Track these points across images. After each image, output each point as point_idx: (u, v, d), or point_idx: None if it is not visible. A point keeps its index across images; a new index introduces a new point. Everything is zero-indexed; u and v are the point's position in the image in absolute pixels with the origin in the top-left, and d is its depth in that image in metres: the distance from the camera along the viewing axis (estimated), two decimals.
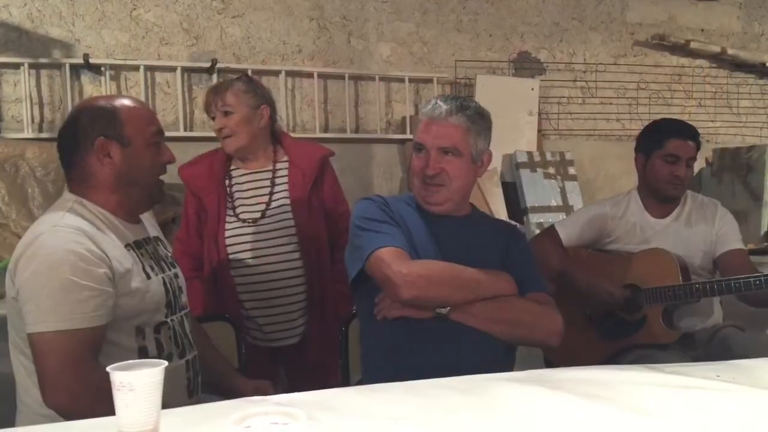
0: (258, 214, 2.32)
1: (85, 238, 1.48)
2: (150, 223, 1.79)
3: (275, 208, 2.32)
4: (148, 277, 1.61)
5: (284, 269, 2.31)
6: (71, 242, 1.46)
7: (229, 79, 2.44)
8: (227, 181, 2.36)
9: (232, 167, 2.39)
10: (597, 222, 2.49)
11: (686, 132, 2.41)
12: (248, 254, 2.30)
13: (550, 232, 2.55)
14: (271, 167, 2.37)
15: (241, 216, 2.32)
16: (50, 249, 1.44)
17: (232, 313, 2.25)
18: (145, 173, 1.65)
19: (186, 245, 2.37)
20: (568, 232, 2.50)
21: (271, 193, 2.34)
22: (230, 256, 2.30)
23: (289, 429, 0.90)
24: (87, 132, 1.58)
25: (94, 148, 1.58)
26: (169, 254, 1.80)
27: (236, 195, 2.35)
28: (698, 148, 2.42)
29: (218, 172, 2.35)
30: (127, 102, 1.65)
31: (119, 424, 1.07)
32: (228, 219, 2.32)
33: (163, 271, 1.68)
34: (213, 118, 2.35)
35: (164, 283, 1.66)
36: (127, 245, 1.59)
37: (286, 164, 2.38)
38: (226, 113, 2.30)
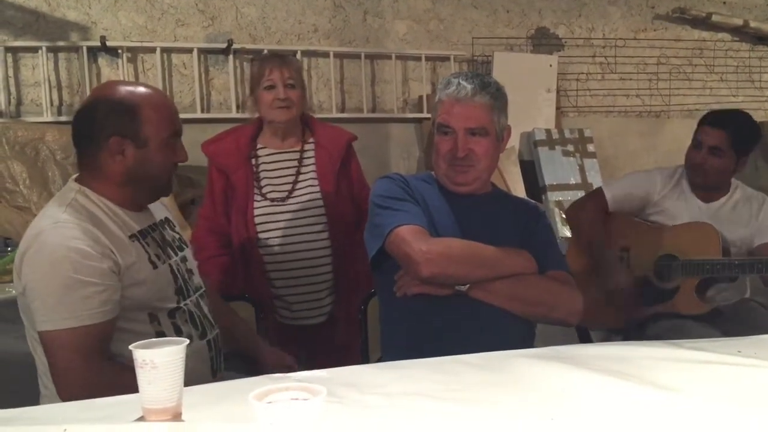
0: (285, 194, 2.33)
1: (87, 232, 1.47)
2: (156, 206, 1.75)
3: (303, 188, 2.34)
4: (155, 266, 1.59)
5: (312, 248, 2.32)
6: (72, 239, 1.44)
7: (281, 54, 2.51)
8: (254, 160, 2.36)
9: (259, 146, 2.39)
10: (644, 192, 2.47)
11: (717, 120, 2.37)
12: (276, 233, 2.31)
13: (596, 194, 2.54)
14: (299, 148, 2.39)
15: (269, 195, 2.33)
16: (52, 247, 1.43)
17: (260, 292, 2.27)
18: (157, 172, 1.61)
19: (212, 222, 2.37)
20: (614, 195, 2.49)
21: (297, 173, 2.35)
22: (258, 235, 2.31)
23: (310, 404, 0.91)
24: (102, 126, 1.53)
25: (108, 146, 1.54)
26: (177, 236, 1.77)
27: (263, 174, 2.35)
28: (734, 139, 2.32)
29: (244, 150, 2.35)
30: (149, 98, 1.58)
31: (143, 401, 1.10)
32: (255, 197, 2.33)
33: (170, 258, 1.67)
34: (267, 87, 2.30)
35: (172, 270, 1.65)
36: (131, 236, 1.57)
37: (312, 146, 2.40)
38: (289, 85, 2.31)
